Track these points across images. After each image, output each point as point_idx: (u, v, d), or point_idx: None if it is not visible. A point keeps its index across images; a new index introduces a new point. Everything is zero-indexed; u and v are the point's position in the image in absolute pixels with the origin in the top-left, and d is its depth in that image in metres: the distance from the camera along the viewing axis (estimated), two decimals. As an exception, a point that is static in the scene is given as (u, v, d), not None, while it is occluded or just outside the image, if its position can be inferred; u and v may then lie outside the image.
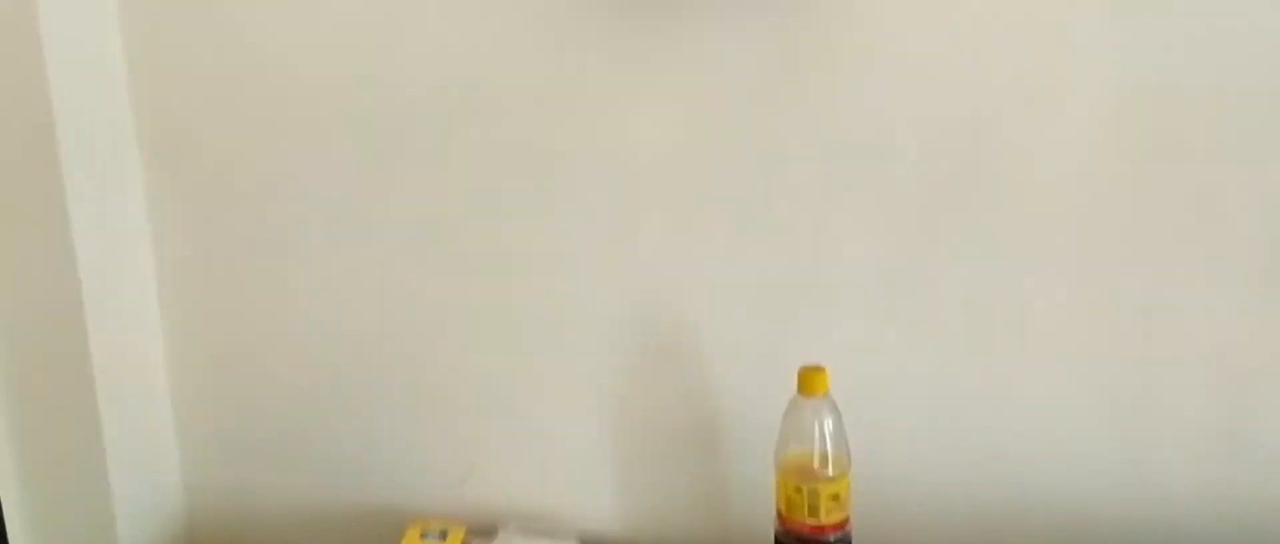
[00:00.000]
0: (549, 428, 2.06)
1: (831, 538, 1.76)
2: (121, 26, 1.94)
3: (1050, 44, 1.80)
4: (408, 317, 2.04)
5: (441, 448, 2.09)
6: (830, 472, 1.77)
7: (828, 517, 1.75)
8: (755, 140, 1.89)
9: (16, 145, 1.83)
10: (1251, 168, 1.81)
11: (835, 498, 1.75)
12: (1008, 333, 1.94)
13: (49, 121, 1.82)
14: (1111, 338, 1.92)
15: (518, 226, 1.97)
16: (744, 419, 1.99)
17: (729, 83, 1.87)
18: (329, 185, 1.98)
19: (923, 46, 1.82)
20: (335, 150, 1.96)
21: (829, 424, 1.77)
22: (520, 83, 1.90)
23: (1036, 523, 1.98)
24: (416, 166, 1.96)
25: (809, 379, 1.76)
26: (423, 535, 2.00)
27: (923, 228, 1.90)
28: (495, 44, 1.88)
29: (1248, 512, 1.93)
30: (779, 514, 1.79)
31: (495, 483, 2.08)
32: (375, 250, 2.01)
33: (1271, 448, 1.91)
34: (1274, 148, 1.80)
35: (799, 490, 1.75)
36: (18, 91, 1.81)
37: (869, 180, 1.89)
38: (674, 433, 2.03)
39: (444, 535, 2.00)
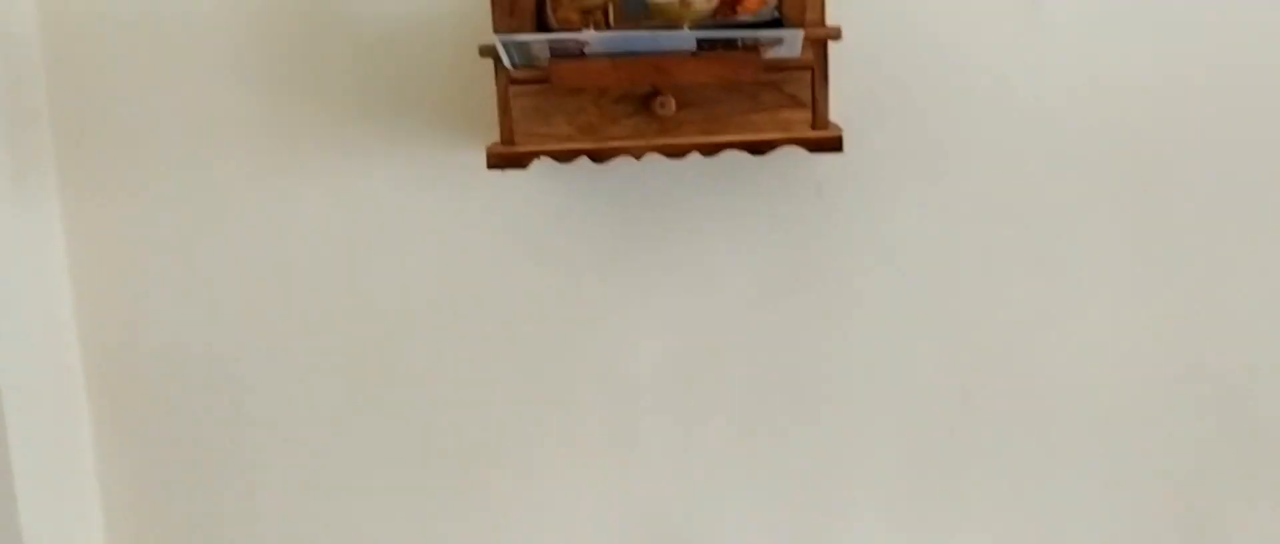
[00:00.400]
0: None
1: None
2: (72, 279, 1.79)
3: (1065, 253, 1.77)
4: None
5: None
6: None
7: None
8: (758, 352, 1.81)
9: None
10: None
11: None
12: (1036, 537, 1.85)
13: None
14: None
15: (511, 450, 1.84)
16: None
17: (729, 296, 1.79)
18: (303, 419, 1.83)
19: (933, 254, 1.77)
20: (312, 379, 1.81)
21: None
22: (515, 300, 1.79)
23: None
24: (403, 391, 1.82)
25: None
26: None
27: (942, 435, 1.83)
28: (487, 261, 1.78)
29: None
30: None
31: None
32: (355, 482, 1.85)
33: None
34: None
35: None
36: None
37: (883, 388, 1.81)
38: None
39: None
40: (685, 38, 1.41)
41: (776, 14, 1.56)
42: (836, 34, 1.54)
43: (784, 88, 1.55)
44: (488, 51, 1.54)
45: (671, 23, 1.45)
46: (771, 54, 1.46)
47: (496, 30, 1.56)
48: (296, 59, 1.73)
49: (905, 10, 1.70)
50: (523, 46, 1.43)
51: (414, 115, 1.74)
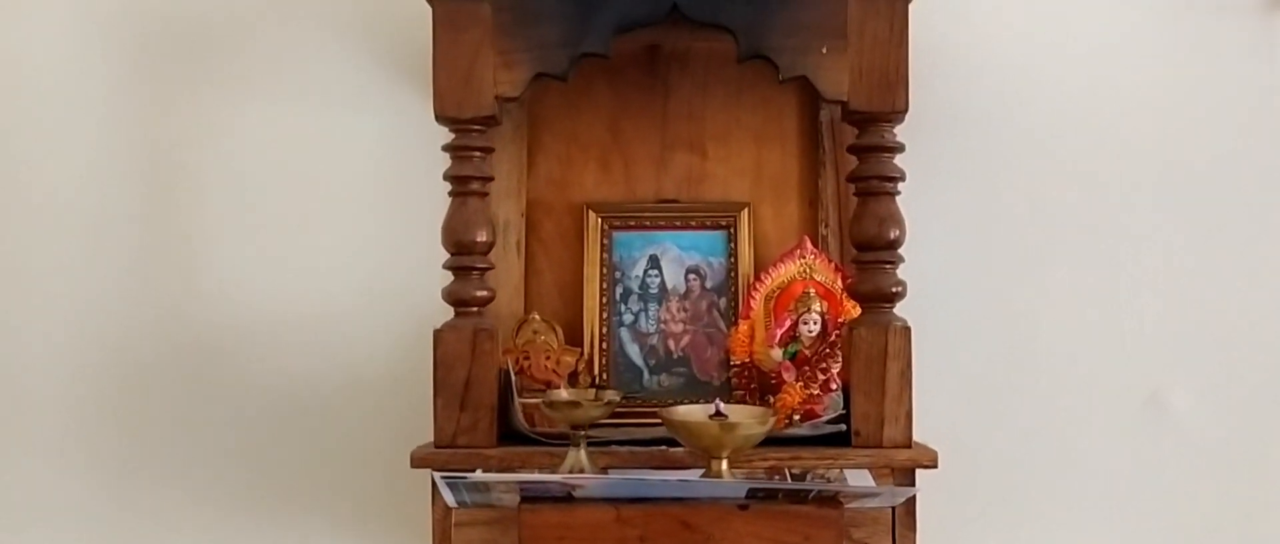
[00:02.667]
0: None
1: None
2: None
3: None
4: None
5: None
6: None
7: None
8: None
9: None
10: None
11: None
12: None
13: None
14: None
15: None
16: None
17: None
18: None
19: None
20: None
21: None
22: None
23: None
24: None
25: None
26: None
27: None
28: None
29: None
30: None
31: None
32: None
33: None
34: None
35: None
36: None
37: None
38: None
39: None
40: (732, 487, 0.93)
41: (843, 424, 1.10)
42: (931, 460, 1.07)
43: (853, 533, 1.07)
44: (421, 463, 1.05)
45: (707, 450, 0.97)
46: (857, 506, 0.98)
47: (439, 438, 1.07)
48: (163, 428, 1.30)
49: (1001, 411, 1.25)
50: (477, 486, 0.94)
51: (330, 519, 1.25)
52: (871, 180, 1.10)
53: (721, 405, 0.97)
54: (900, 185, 1.11)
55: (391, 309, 1.28)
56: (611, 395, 1.03)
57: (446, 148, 1.11)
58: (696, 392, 1.25)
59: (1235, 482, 1.31)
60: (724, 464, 0.97)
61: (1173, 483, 1.31)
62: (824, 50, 1.09)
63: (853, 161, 1.13)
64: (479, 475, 0.94)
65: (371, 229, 1.31)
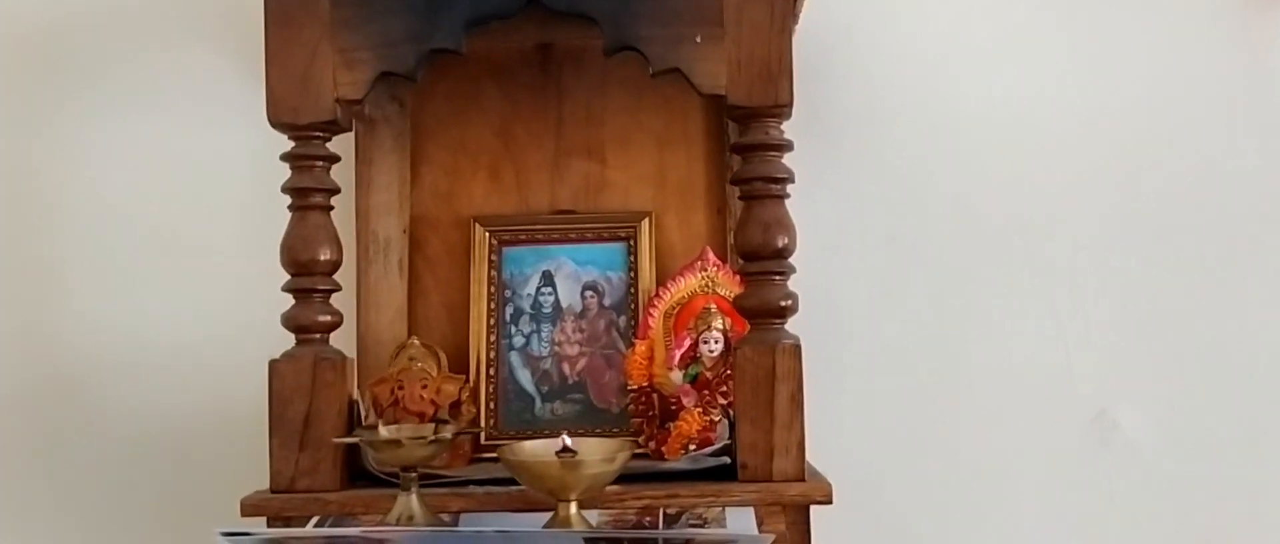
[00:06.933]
0: None
1: None
2: None
3: None
4: None
5: None
6: None
7: None
8: None
9: None
10: None
11: None
12: None
13: None
14: None
15: None
16: None
17: None
18: None
19: None
20: None
21: None
22: None
23: None
24: None
25: None
26: None
27: None
28: None
29: None
30: None
31: None
32: None
33: None
34: None
35: None
36: None
37: None
38: None
39: None
40: (565, 538, 0.81)
41: (726, 457, 0.98)
42: (825, 495, 0.95)
43: (739, 579, 0.95)
44: (253, 510, 0.94)
45: (553, 493, 0.85)
46: (717, 554, 0.86)
47: (275, 482, 0.97)
48: (15, 460, 1.25)
49: (924, 439, 1.13)
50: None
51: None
52: (755, 182, 0.98)
53: (568, 440, 0.86)
54: (790, 187, 0.99)
55: (259, 338, 1.18)
56: (445, 431, 0.92)
57: (285, 157, 1.00)
58: (594, 420, 1.15)
59: (1190, 505, 1.18)
60: (573, 507, 0.85)
61: (1124, 511, 1.18)
62: (698, 39, 0.98)
63: (761, 165, 1.01)
64: (267, 532, 0.83)
65: (237, 252, 1.21)
